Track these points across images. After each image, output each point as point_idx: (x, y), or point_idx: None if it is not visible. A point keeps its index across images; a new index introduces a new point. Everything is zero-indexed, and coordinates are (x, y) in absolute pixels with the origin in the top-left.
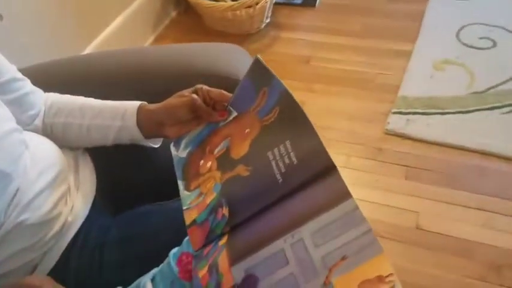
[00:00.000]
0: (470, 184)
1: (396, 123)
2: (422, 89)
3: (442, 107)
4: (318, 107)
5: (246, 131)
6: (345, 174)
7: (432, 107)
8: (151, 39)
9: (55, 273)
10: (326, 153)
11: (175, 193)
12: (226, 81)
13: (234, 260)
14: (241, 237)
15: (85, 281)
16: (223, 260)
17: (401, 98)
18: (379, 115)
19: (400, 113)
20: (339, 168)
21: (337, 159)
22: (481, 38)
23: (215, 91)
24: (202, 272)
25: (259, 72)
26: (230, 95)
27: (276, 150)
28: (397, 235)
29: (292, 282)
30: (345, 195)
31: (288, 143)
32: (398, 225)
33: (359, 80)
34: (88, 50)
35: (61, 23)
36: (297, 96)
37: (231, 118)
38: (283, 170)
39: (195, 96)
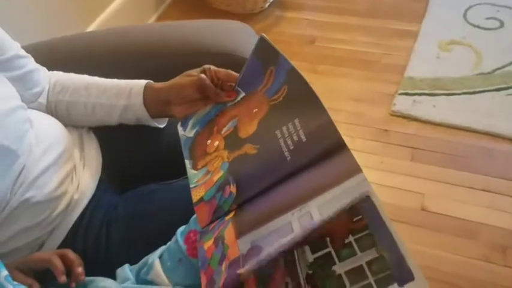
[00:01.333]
0: (476, 165)
1: (402, 104)
2: (429, 70)
3: (448, 88)
4: (323, 88)
5: (254, 110)
6: None
7: (438, 88)
8: (153, 18)
9: None
10: (335, 129)
11: (182, 173)
12: (231, 58)
13: (240, 233)
14: (249, 212)
15: (92, 259)
16: (229, 232)
17: (407, 79)
18: (385, 96)
19: (406, 94)
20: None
21: None
22: (488, 18)
23: (222, 71)
24: (208, 244)
25: (265, 51)
26: (237, 74)
27: (284, 129)
28: (402, 216)
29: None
30: (355, 170)
31: (296, 120)
32: (404, 207)
33: (365, 60)
34: (90, 29)
35: (64, 1)
36: None
37: (239, 99)
38: (291, 147)
39: (203, 76)
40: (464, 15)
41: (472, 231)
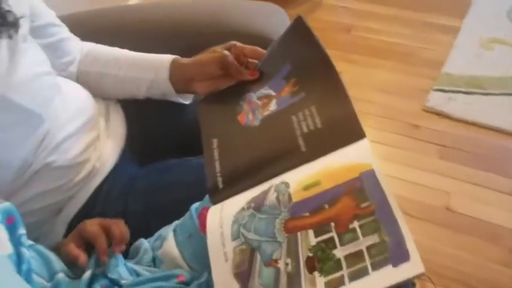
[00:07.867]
0: (506, 168)
1: (436, 100)
2: (467, 68)
3: (485, 87)
4: (355, 78)
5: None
6: (378, 149)
7: (475, 86)
8: None
9: (79, 218)
10: (357, 120)
11: (201, 150)
12: (262, 41)
13: None
14: None
15: None
16: None
17: (444, 75)
18: (419, 91)
19: (442, 90)
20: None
21: (371, 133)
22: None
23: (248, 47)
24: None
25: (299, 33)
26: (264, 51)
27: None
28: (426, 214)
29: None
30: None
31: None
32: (428, 205)
33: (401, 53)
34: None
35: None
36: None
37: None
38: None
39: (226, 52)
40: (508, 14)
41: (494, 235)
